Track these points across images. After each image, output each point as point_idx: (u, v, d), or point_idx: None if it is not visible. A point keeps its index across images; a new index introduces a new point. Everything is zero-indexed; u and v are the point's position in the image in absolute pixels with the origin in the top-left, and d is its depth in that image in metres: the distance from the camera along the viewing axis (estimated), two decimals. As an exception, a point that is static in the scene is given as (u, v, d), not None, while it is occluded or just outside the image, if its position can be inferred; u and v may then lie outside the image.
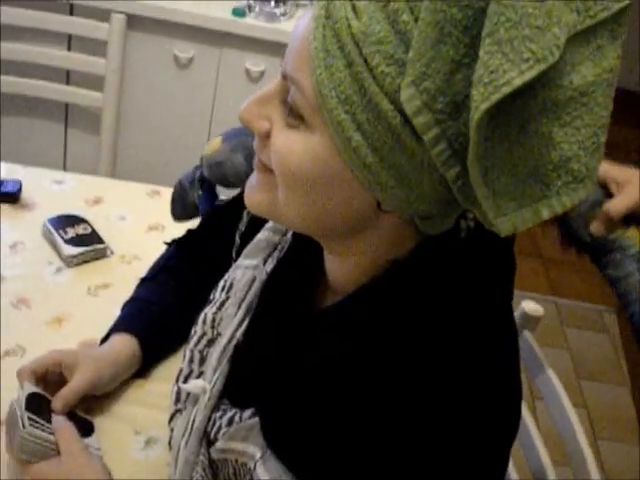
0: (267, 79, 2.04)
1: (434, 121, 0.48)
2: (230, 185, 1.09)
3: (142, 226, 1.33)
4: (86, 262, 1.22)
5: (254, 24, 1.98)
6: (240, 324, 0.75)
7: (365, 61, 0.49)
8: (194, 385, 0.75)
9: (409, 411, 0.57)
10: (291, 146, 0.55)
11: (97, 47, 1.87)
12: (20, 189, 1.31)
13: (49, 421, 0.83)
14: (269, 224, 0.78)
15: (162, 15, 1.94)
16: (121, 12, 1.84)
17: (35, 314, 1.10)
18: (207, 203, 1.10)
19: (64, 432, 0.82)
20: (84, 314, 1.12)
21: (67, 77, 2.01)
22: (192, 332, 0.80)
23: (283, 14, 2.00)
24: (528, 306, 1.13)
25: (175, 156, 2.12)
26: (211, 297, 0.80)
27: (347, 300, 0.65)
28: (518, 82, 0.44)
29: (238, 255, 0.80)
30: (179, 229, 1.11)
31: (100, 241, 1.24)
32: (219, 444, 0.71)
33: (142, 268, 1.09)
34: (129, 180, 1.53)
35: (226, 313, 0.77)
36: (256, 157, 0.61)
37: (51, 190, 1.37)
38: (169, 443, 0.79)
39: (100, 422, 0.93)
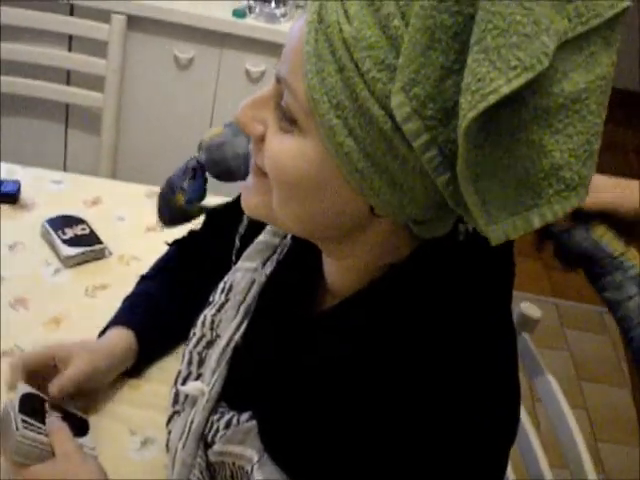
0: (267, 80, 2.04)
1: (424, 127, 0.48)
2: (225, 174, 1.04)
3: (141, 227, 1.33)
4: (85, 263, 1.22)
5: (254, 25, 1.98)
6: (239, 327, 0.75)
7: (356, 66, 0.49)
8: (192, 387, 0.75)
9: (407, 414, 0.57)
10: (284, 150, 0.55)
11: (97, 47, 1.87)
12: (19, 189, 1.31)
13: (43, 422, 0.82)
14: (269, 227, 0.77)
15: (162, 16, 1.94)
16: (121, 13, 1.84)
17: (33, 314, 1.10)
18: (195, 193, 1.03)
19: (58, 433, 0.82)
20: (82, 315, 1.12)
21: (67, 77, 2.01)
22: (191, 334, 0.80)
23: (283, 15, 2.00)
24: (526, 308, 1.13)
25: (175, 156, 2.10)
26: (211, 299, 0.80)
27: (345, 303, 0.65)
28: (505, 90, 0.43)
29: (238, 258, 0.80)
30: (178, 229, 1.10)
31: (99, 242, 1.24)
32: (216, 447, 0.71)
33: (140, 269, 1.09)
34: (129, 181, 1.53)
35: (225, 315, 0.77)
36: (252, 160, 0.60)
37: (50, 190, 1.37)
38: (166, 445, 0.78)
39: (96, 422, 0.93)
